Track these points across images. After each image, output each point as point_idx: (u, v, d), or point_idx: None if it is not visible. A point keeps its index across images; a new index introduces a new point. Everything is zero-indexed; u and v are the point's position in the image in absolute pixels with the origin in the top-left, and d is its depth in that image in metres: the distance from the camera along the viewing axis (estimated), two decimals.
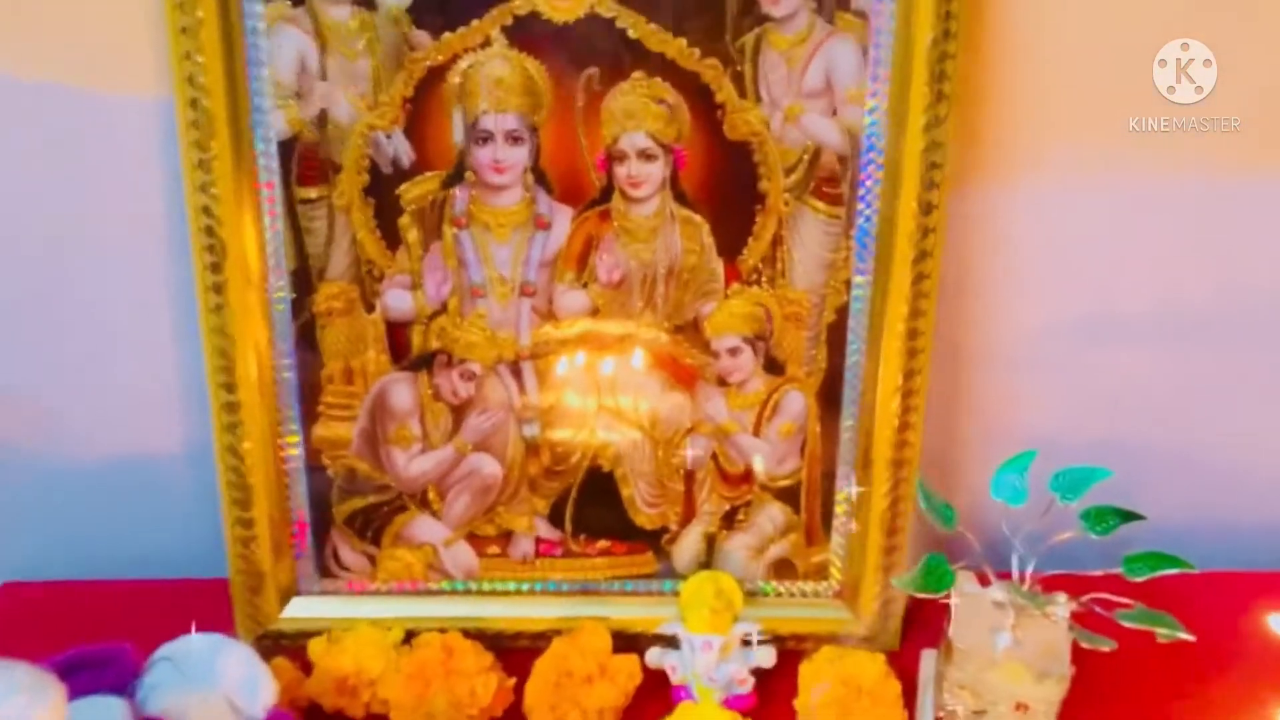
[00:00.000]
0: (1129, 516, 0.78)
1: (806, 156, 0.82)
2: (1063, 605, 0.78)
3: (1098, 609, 0.76)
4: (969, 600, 0.79)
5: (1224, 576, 0.96)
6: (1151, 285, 0.93)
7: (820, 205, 0.83)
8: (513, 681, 0.85)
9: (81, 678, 0.69)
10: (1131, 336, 0.94)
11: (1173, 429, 0.98)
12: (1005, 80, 0.84)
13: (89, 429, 0.96)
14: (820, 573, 0.93)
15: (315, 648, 0.86)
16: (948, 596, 0.77)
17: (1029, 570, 0.78)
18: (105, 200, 0.87)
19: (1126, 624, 0.74)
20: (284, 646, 0.89)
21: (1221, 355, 0.96)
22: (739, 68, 0.79)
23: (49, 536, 1.00)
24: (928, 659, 0.89)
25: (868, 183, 0.82)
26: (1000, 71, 0.83)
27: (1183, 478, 1.00)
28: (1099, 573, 0.76)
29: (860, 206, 0.83)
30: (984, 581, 0.80)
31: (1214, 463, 1.00)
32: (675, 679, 0.85)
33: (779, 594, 0.93)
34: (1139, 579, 0.76)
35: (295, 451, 0.88)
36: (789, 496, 0.92)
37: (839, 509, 0.91)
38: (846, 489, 0.89)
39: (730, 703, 0.83)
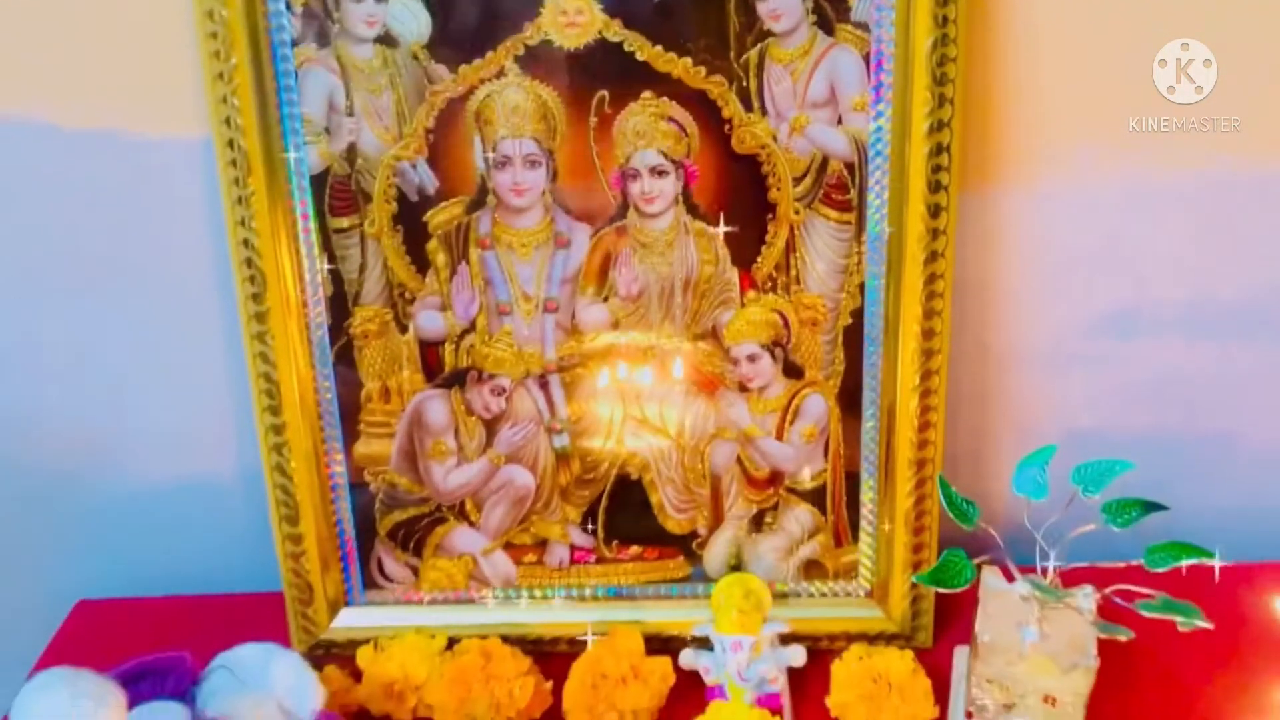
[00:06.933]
0: (1151, 508, 0.77)
1: (814, 166, 0.83)
2: (1087, 598, 0.77)
3: (1119, 600, 0.75)
4: (995, 596, 0.79)
5: (1253, 568, 0.95)
6: (1181, 278, 0.92)
7: (830, 212, 0.85)
8: (550, 685, 0.87)
9: (145, 685, 0.75)
10: (1164, 329, 0.94)
11: (1209, 420, 0.98)
12: (1014, 82, 0.84)
13: (150, 456, 1.00)
14: (850, 572, 0.94)
15: (363, 656, 0.89)
16: (972, 589, 0.77)
17: (1052, 564, 0.78)
18: (153, 238, 0.90)
19: (1147, 614, 0.73)
20: (335, 655, 0.92)
21: (1256, 346, 0.95)
22: (744, 83, 0.81)
23: (117, 557, 1.04)
24: (960, 655, 0.89)
25: (876, 188, 0.83)
26: (1009, 74, 0.84)
27: (1220, 469, 0.99)
28: (1122, 564, 0.76)
29: (870, 212, 0.84)
30: (1009, 576, 0.79)
31: (1252, 453, 0.99)
32: (709, 680, 0.87)
33: (810, 594, 0.94)
34: (1160, 570, 0.75)
35: (339, 469, 0.91)
36: (816, 498, 0.92)
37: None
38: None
39: (762, 701, 0.85)
